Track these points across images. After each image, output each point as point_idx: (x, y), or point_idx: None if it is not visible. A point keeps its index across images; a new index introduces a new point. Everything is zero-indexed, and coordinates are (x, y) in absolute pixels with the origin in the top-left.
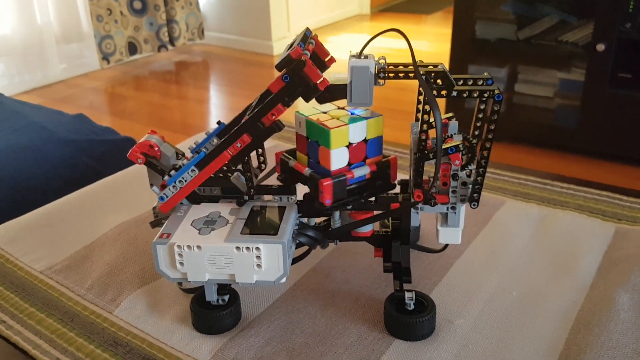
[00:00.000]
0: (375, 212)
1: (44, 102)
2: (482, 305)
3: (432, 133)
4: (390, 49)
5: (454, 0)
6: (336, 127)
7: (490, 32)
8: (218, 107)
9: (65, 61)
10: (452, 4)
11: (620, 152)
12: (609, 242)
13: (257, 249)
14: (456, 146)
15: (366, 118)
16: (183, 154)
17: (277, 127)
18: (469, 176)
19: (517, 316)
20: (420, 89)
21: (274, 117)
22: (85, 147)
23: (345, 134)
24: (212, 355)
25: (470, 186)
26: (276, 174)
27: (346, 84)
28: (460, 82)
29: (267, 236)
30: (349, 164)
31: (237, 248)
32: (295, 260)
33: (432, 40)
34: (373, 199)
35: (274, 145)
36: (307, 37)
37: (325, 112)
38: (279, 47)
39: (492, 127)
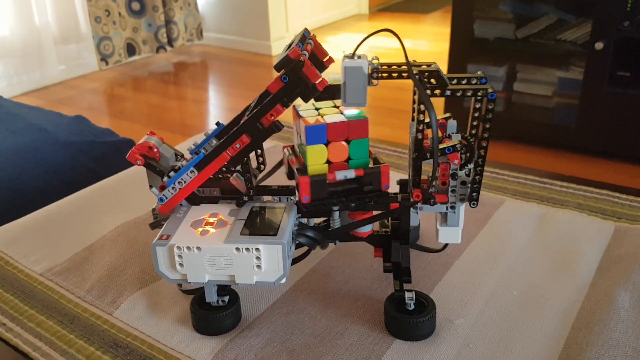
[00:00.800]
0: (375, 212)
1: (43, 103)
2: (482, 305)
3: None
4: (387, 48)
5: None
6: (313, 124)
7: (488, 31)
8: (217, 108)
9: (63, 62)
10: (451, 3)
11: (619, 150)
12: (609, 240)
13: (257, 249)
14: (453, 146)
15: (348, 119)
16: (182, 155)
17: (276, 127)
18: (468, 175)
19: (518, 315)
20: (415, 88)
21: (272, 117)
22: (84, 149)
23: (322, 133)
24: (213, 356)
25: (469, 185)
26: (275, 174)
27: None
28: (454, 82)
29: (266, 237)
30: (329, 162)
31: (237, 249)
32: (295, 261)
33: (430, 40)
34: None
35: (273, 146)
36: (305, 37)
37: (318, 109)
38: (278, 48)
39: (488, 125)
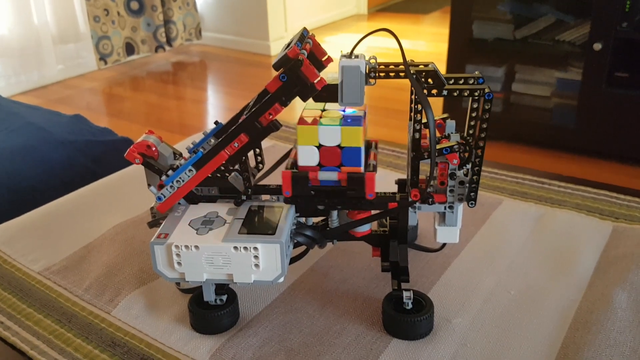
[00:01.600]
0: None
1: (41, 102)
2: (480, 304)
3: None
4: (384, 48)
5: (451, 0)
6: (306, 125)
7: (487, 32)
8: (215, 107)
9: (62, 62)
10: (450, 4)
11: (617, 151)
12: (607, 240)
13: (255, 248)
14: (450, 146)
15: (342, 125)
16: (180, 154)
17: (275, 126)
18: (466, 175)
19: (515, 315)
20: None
21: (271, 116)
22: (82, 148)
23: (314, 134)
24: (210, 355)
25: (467, 185)
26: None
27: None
28: (452, 82)
29: (264, 236)
30: (320, 165)
31: (235, 248)
32: (293, 260)
33: (429, 40)
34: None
35: (271, 145)
36: (304, 36)
37: (324, 110)
38: (277, 47)
39: (485, 125)
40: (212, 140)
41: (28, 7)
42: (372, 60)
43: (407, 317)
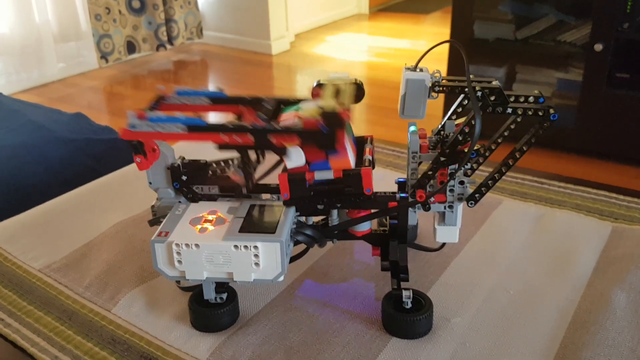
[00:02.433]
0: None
1: (42, 101)
2: (479, 304)
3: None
4: (384, 48)
5: (452, 0)
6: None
7: (488, 32)
8: None
9: (63, 60)
10: (451, 4)
11: (617, 151)
12: (606, 241)
13: (255, 247)
14: (477, 150)
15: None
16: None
17: (280, 151)
18: (466, 175)
19: (514, 315)
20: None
21: (284, 142)
22: (83, 146)
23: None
24: (210, 353)
25: (468, 185)
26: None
27: (341, 83)
28: (512, 99)
29: (265, 234)
30: (308, 163)
31: (235, 246)
32: (293, 259)
33: (430, 40)
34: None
35: None
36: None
37: (298, 110)
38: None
39: (533, 140)
40: (205, 99)
41: (29, 5)
42: (437, 74)
43: (407, 316)
